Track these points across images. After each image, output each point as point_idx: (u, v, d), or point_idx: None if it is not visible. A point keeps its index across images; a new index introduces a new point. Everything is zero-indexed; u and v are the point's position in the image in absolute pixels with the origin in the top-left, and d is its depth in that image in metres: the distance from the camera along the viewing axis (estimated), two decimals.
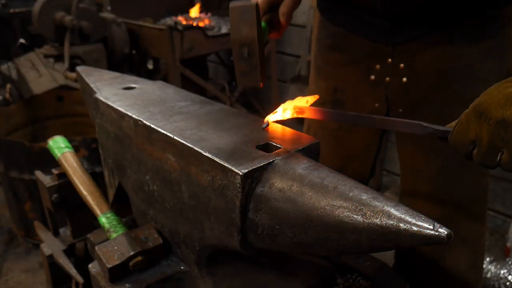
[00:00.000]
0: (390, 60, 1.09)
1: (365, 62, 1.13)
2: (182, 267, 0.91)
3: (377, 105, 1.15)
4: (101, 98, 0.99)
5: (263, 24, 0.84)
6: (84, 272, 0.99)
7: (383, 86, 1.12)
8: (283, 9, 0.92)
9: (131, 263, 0.87)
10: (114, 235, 0.95)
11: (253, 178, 0.68)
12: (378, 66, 1.11)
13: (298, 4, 1.00)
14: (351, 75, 1.17)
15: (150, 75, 3.66)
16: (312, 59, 1.32)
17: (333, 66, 1.20)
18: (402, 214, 0.55)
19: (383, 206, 0.56)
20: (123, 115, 0.92)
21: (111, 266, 0.85)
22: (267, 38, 0.89)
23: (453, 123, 0.71)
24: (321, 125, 1.27)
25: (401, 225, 0.54)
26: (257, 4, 0.74)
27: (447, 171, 1.12)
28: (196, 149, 0.74)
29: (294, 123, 0.82)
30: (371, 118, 0.78)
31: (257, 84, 0.79)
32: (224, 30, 3.31)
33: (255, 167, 0.68)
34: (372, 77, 1.12)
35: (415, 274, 1.21)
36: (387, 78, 1.11)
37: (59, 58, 2.94)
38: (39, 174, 1.18)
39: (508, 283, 2.07)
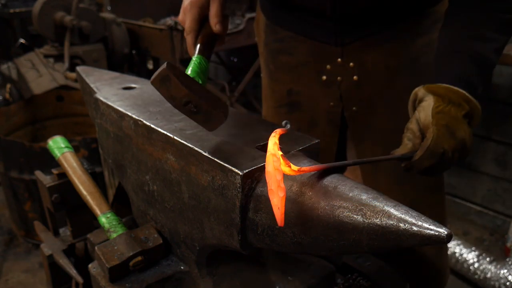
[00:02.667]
0: (339, 59, 1.12)
1: (315, 63, 1.16)
2: (182, 267, 0.91)
3: (332, 103, 1.19)
4: (101, 98, 0.99)
5: (196, 58, 0.83)
6: (84, 272, 0.99)
7: (336, 85, 1.15)
8: (213, 20, 0.89)
9: (131, 263, 0.87)
10: (114, 235, 0.95)
11: (253, 178, 0.68)
12: (328, 67, 1.14)
13: (225, 7, 0.94)
14: (304, 77, 1.21)
15: (150, 75, 3.63)
16: (262, 64, 1.34)
17: (285, 69, 1.24)
18: (402, 214, 0.55)
19: (383, 206, 0.56)
20: (123, 115, 0.92)
21: (111, 266, 0.85)
22: (209, 65, 0.86)
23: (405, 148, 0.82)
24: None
25: (401, 225, 0.54)
26: (167, 63, 0.73)
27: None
28: (196, 149, 0.74)
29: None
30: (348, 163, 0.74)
31: (223, 121, 0.77)
32: None
33: (255, 167, 0.68)
34: (324, 77, 1.16)
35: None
36: (339, 78, 1.14)
37: (59, 58, 2.94)
38: (39, 174, 1.18)
39: (508, 283, 2.07)
